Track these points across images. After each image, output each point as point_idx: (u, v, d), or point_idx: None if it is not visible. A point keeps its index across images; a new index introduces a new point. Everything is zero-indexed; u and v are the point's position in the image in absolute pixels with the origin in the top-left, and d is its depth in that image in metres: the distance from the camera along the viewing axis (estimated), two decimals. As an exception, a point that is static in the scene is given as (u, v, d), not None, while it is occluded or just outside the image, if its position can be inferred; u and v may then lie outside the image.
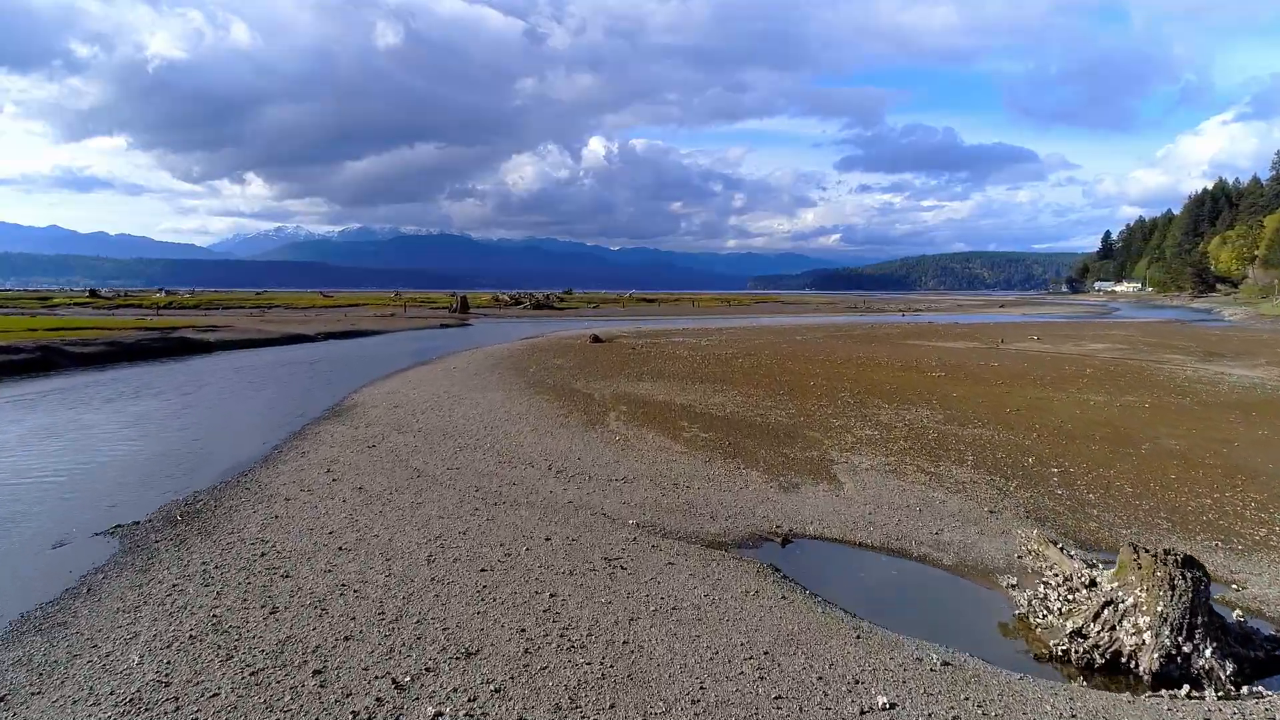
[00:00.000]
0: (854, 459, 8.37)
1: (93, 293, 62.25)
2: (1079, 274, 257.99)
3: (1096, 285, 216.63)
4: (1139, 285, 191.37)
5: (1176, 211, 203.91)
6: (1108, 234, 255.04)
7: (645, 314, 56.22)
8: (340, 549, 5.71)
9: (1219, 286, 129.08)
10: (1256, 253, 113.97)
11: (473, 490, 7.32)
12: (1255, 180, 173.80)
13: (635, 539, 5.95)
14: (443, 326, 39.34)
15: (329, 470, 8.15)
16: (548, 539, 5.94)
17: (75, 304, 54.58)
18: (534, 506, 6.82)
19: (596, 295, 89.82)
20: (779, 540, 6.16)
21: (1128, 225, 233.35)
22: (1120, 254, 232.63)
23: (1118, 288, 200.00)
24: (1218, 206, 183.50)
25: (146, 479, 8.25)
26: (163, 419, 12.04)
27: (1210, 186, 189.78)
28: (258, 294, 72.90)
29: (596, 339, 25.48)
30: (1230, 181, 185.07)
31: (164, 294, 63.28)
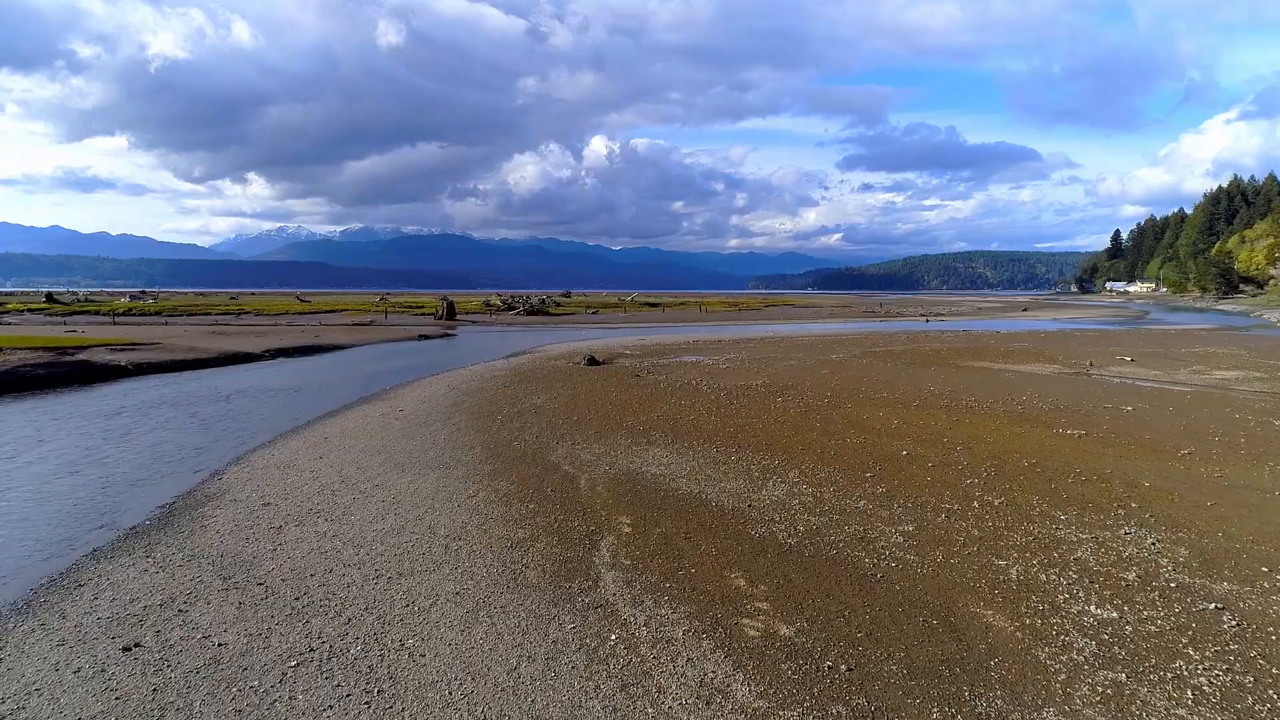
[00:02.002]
0: None
1: (49, 297, 57.78)
2: (1088, 274, 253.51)
3: (1108, 285, 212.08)
4: (1153, 285, 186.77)
5: (1188, 210, 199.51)
6: (1117, 233, 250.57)
7: (648, 320, 51.63)
8: None
9: (1243, 287, 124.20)
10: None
11: None
12: (1272, 178, 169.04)
13: None
14: (421, 338, 34.80)
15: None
16: None
17: (29, 310, 50.16)
18: None
19: (596, 298, 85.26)
20: None
21: (1138, 224, 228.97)
22: (1131, 253, 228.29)
23: (1131, 288, 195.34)
24: (1234, 205, 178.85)
25: None
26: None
27: (1225, 184, 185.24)
28: (232, 298, 68.35)
29: (593, 361, 20.93)
30: (1245, 179, 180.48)
31: (128, 299, 58.72)
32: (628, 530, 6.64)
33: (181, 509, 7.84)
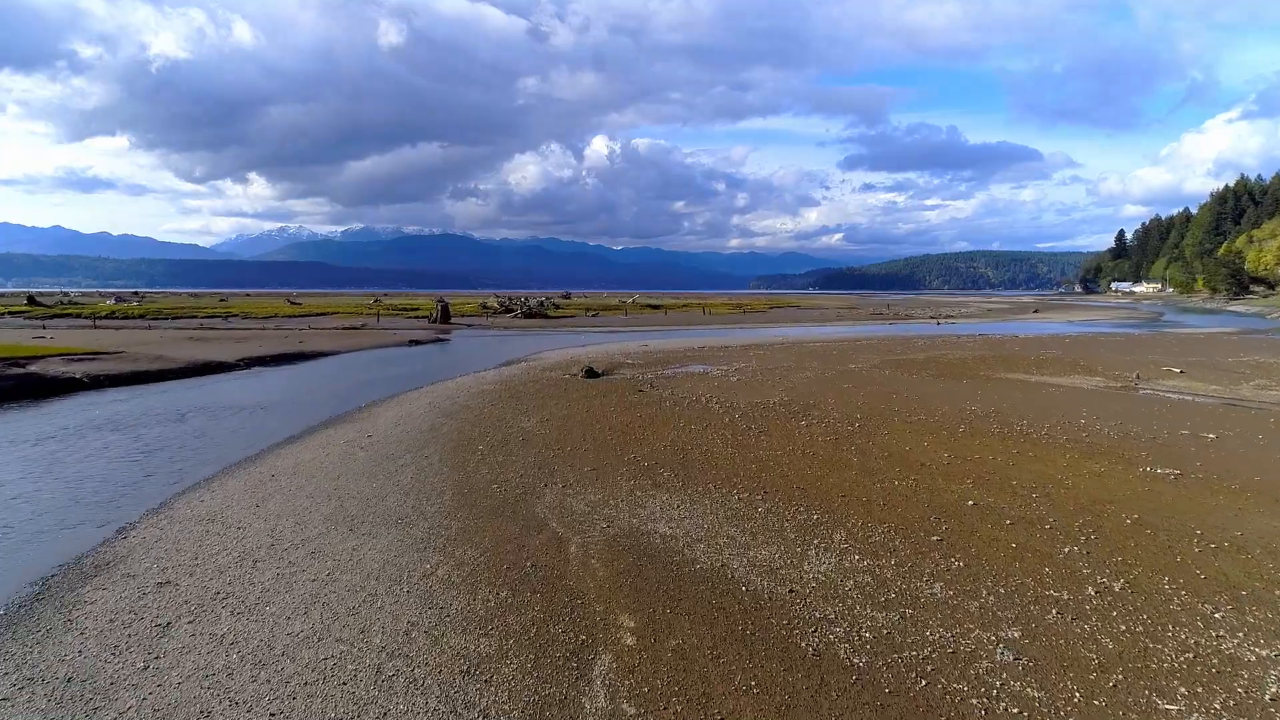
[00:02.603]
0: None
1: (31, 300, 56.05)
2: (1092, 273, 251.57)
3: (1114, 286, 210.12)
4: (1159, 286, 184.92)
5: (1193, 210, 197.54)
6: (1121, 233, 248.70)
7: (650, 324, 49.86)
8: None
9: (1254, 288, 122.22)
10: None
11: None
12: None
13: None
14: (412, 344, 33.05)
15: None
16: None
17: (9, 312, 48.50)
18: None
19: (596, 300, 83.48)
20: None
21: (1143, 224, 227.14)
22: (1135, 254, 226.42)
23: (1136, 288, 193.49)
24: (1240, 204, 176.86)
25: None
26: None
27: (1232, 184, 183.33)
28: (222, 300, 66.59)
29: (591, 372, 19.16)
30: (1252, 178, 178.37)
31: (114, 301, 57.01)
32: (631, 642, 4.84)
33: (55, 589, 6.07)
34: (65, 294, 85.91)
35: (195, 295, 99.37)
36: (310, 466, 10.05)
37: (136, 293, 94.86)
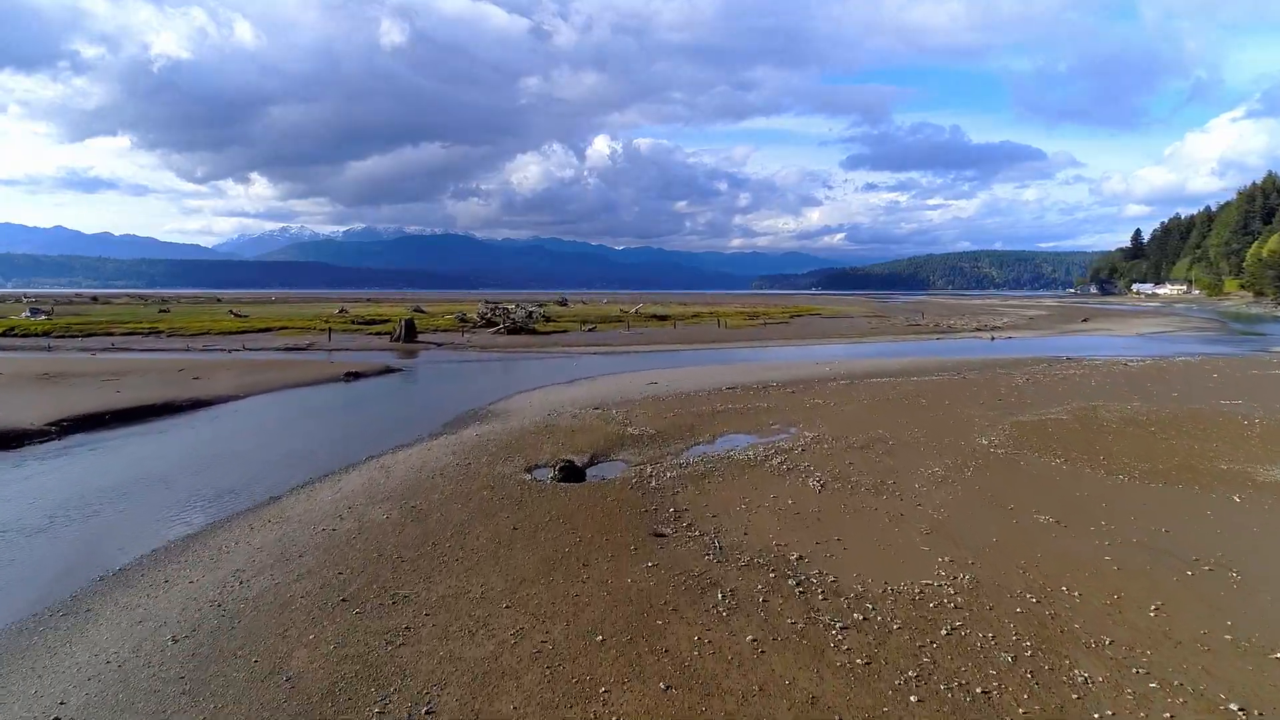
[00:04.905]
0: None
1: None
2: (1106, 274, 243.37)
3: (1135, 288, 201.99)
4: (1183, 287, 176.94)
5: (1209, 208, 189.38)
6: (1138, 233, 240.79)
7: (656, 341, 41.92)
8: None
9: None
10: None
11: None
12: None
13: None
14: (348, 379, 25.18)
15: None
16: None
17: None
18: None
19: (595, 309, 75.55)
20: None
21: (1162, 224, 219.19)
22: (1154, 254, 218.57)
23: (1160, 290, 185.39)
24: (1269, 202, 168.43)
25: None
26: None
27: (1260, 181, 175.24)
28: (162, 310, 58.34)
29: (570, 470, 11.28)
30: (1257, 177, 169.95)
31: (27, 315, 49.14)
32: None
33: None
34: None
35: (144, 300, 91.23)
36: None
37: (97, 298, 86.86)
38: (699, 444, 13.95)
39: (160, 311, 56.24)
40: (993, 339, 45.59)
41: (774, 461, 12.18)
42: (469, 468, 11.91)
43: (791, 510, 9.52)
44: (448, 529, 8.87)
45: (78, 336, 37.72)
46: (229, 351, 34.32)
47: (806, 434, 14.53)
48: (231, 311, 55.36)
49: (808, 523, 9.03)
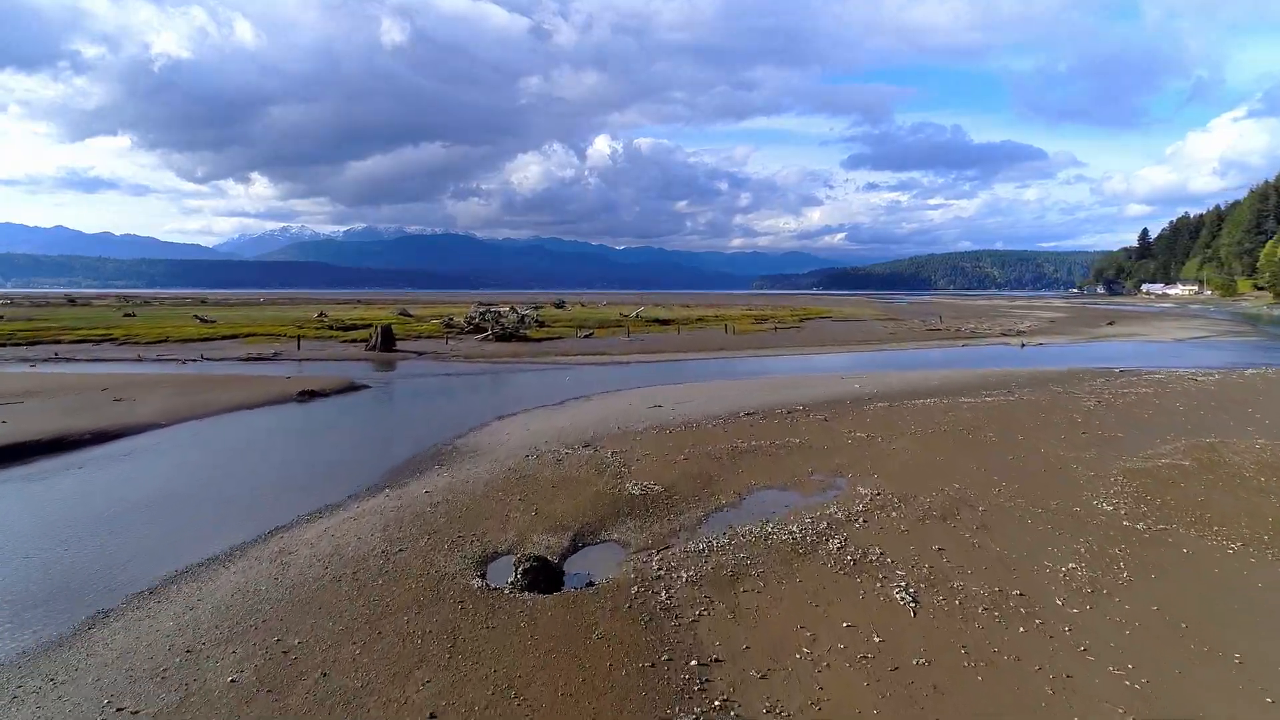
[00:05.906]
0: None
1: None
2: (1114, 274, 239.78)
3: (1144, 287, 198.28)
4: (1195, 288, 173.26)
5: (1215, 208, 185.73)
6: (1145, 232, 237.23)
7: (659, 348, 38.32)
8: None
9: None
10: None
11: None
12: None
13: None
14: (302, 397, 21.62)
15: None
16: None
17: None
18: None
19: (593, 311, 72.01)
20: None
21: (1170, 223, 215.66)
22: (1163, 254, 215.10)
23: (1171, 290, 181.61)
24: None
25: None
26: None
27: (1274, 179, 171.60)
28: (127, 313, 54.56)
29: (540, 573, 7.69)
30: (1259, 177, 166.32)
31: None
32: None
33: None
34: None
35: (127, 301, 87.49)
36: None
37: (56, 300, 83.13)
38: (721, 509, 10.39)
39: (125, 316, 52.51)
40: (1023, 346, 42.05)
41: (831, 546, 8.62)
42: (398, 560, 8.33)
43: (884, 659, 5.97)
44: (320, 714, 5.30)
45: (20, 345, 34.17)
46: (183, 362, 30.79)
47: (861, 490, 10.97)
48: (197, 316, 51.55)
49: (916, 691, 5.48)
